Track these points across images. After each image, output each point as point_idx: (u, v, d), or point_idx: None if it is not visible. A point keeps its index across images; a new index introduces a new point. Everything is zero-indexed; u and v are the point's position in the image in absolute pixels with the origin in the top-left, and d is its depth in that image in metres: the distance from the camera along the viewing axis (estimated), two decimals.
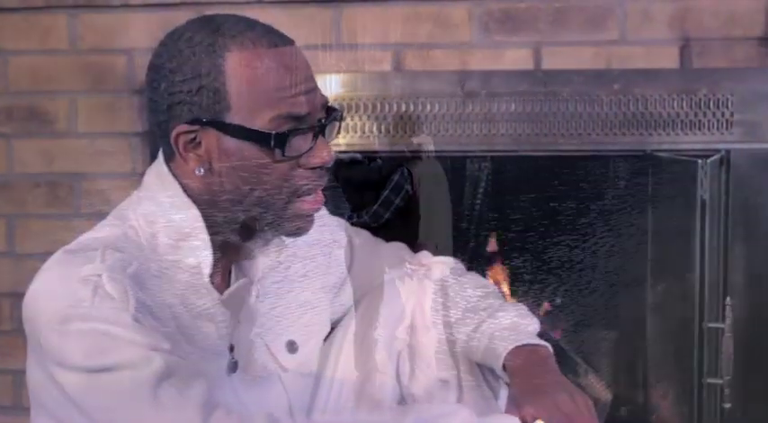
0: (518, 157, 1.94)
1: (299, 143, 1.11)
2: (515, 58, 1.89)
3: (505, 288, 2.17)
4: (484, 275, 1.48)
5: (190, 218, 1.14)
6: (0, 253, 2.02)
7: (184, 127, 1.11)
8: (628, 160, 2.07)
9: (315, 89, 1.14)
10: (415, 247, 1.51)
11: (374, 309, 1.38)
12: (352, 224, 1.49)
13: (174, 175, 1.15)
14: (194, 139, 1.11)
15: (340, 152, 1.88)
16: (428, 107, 1.88)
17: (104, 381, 1.03)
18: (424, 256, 1.46)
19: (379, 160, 2.04)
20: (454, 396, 1.34)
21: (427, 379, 1.35)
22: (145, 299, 1.08)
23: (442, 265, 1.42)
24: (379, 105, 1.89)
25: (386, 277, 1.41)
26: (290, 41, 1.15)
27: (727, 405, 1.84)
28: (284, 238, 1.23)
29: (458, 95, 1.87)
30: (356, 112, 1.89)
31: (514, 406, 1.16)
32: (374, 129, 1.89)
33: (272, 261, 1.23)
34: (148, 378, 1.03)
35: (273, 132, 1.09)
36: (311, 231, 1.21)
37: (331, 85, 1.88)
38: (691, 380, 1.89)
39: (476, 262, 2.15)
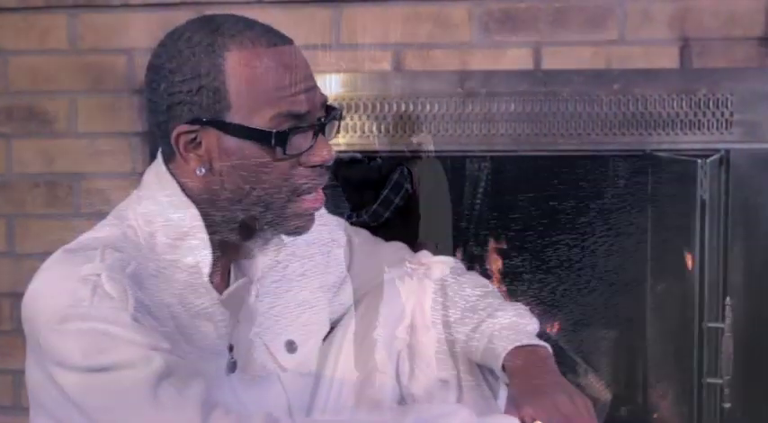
0: (518, 156, 1.94)
1: (300, 141, 1.12)
2: (515, 58, 1.89)
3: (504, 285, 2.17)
4: (484, 275, 1.48)
5: (189, 217, 1.14)
6: (0, 253, 2.02)
7: (185, 127, 1.11)
8: (627, 160, 2.07)
9: (314, 88, 1.14)
10: (414, 246, 1.51)
11: (374, 308, 1.38)
12: (352, 223, 1.49)
13: (174, 175, 1.15)
14: (195, 139, 1.11)
15: (340, 152, 1.88)
16: (428, 107, 1.88)
17: (103, 380, 1.03)
18: (424, 255, 1.46)
19: (378, 159, 2.04)
20: (454, 396, 1.34)
21: (427, 379, 1.35)
22: (144, 298, 1.08)
23: (442, 265, 1.42)
24: (379, 105, 1.89)
25: (386, 277, 1.41)
26: (288, 41, 1.15)
27: (727, 405, 1.84)
28: (284, 237, 1.23)
29: (458, 95, 1.87)
30: (356, 111, 1.89)
31: (513, 407, 1.16)
32: (374, 128, 1.89)
33: (272, 260, 1.23)
34: (147, 377, 1.03)
35: (274, 131, 1.09)
36: (312, 231, 1.21)
37: (331, 85, 1.88)
38: (691, 380, 1.89)
39: (475, 262, 2.15)
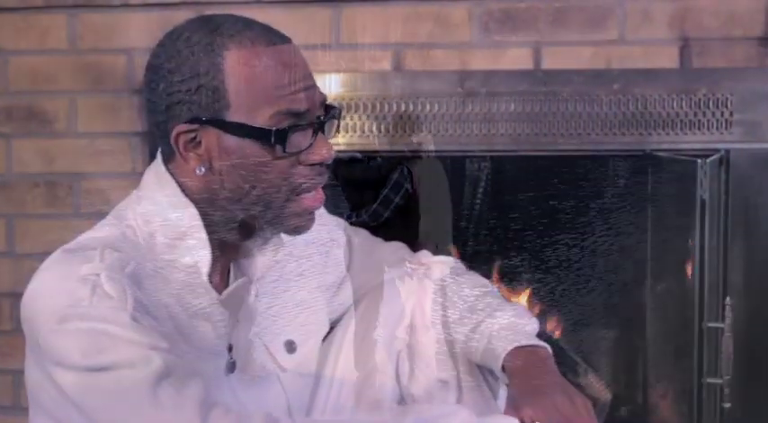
0: (518, 156, 1.94)
1: (299, 140, 1.12)
2: (515, 57, 1.89)
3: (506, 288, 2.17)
4: (483, 275, 1.48)
5: (188, 217, 1.14)
6: (0, 253, 2.02)
7: (184, 127, 1.11)
8: (627, 160, 2.07)
9: (313, 86, 1.14)
10: (414, 246, 1.51)
11: (374, 308, 1.38)
12: (352, 223, 1.49)
13: (173, 175, 1.15)
14: (194, 138, 1.11)
15: (340, 152, 1.88)
16: (428, 107, 1.88)
17: (103, 380, 1.03)
18: (424, 255, 1.46)
19: (378, 159, 2.04)
20: (454, 396, 1.34)
21: (427, 379, 1.35)
22: (143, 298, 1.08)
23: (442, 265, 1.41)
24: (379, 105, 1.89)
25: (386, 277, 1.41)
26: (287, 40, 1.15)
27: (727, 405, 1.84)
28: (283, 236, 1.23)
29: (458, 95, 1.87)
30: (356, 111, 1.89)
31: (513, 407, 1.16)
32: (374, 128, 1.89)
33: (271, 260, 1.23)
34: (147, 377, 1.03)
35: (273, 129, 1.09)
36: (311, 231, 1.21)
37: (331, 85, 1.88)
38: (691, 380, 1.89)
39: (475, 261, 2.15)
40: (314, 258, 1.36)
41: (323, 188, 1.17)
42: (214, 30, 1.11)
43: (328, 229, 1.40)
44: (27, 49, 1.97)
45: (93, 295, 1.04)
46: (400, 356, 1.36)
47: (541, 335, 1.31)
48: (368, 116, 1.89)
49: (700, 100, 1.84)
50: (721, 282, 1.86)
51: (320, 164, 1.14)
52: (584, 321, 2.19)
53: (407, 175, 2.08)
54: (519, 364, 1.24)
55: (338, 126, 1.20)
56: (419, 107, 1.88)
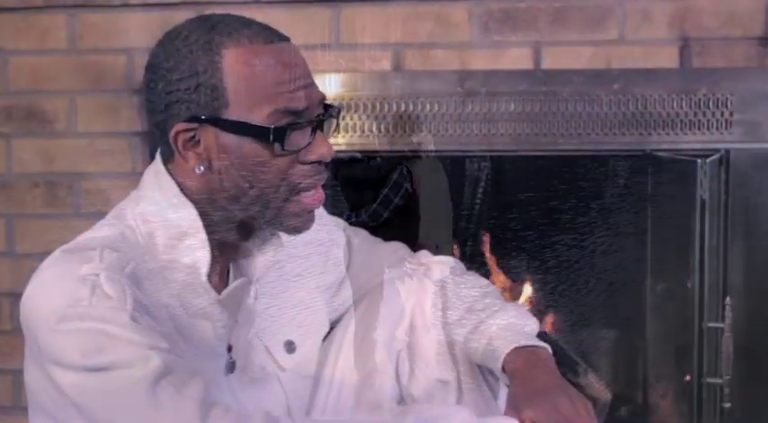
0: (518, 156, 1.94)
1: (298, 138, 1.12)
2: (515, 57, 1.89)
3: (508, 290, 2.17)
4: (483, 275, 1.48)
5: (187, 217, 1.14)
6: (0, 253, 2.02)
7: (183, 125, 1.11)
8: (627, 160, 2.07)
9: (312, 85, 1.14)
10: (414, 246, 1.50)
11: (374, 309, 1.38)
12: (352, 223, 1.49)
13: (172, 175, 1.15)
14: (193, 137, 1.11)
15: (340, 151, 1.88)
16: (428, 107, 1.88)
17: (102, 380, 1.03)
18: (424, 255, 1.46)
19: (378, 159, 2.04)
20: (454, 397, 1.34)
21: (427, 379, 1.35)
22: (142, 298, 1.08)
23: (442, 265, 1.41)
24: (378, 105, 1.89)
25: (385, 277, 1.41)
26: (286, 39, 1.15)
27: (727, 405, 1.84)
28: (282, 237, 1.23)
29: (458, 95, 1.87)
30: (356, 111, 1.89)
31: (513, 408, 1.16)
32: (374, 128, 1.89)
33: (270, 260, 1.23)
34: (146, 377, 1.03)
35: (272, 126, 1.09)
36: (310, 231, 1.21)
37: (331, 85, 1.88)
38: (690, 379, 1.89)
39: (475, 261, 2.15)
40: (313, 259, 1.36)
41: (322, 188, 1.17)
42: (212, 28, 1.11)
43: (328, 230, 1.40)
44: (27, 49, 1.97)
45: (92, 295, 1.04)
46: (400, 356, 1.36)
47: (541, 335, 1.31)
48: (368, 116, 1.89)
49: (700, 100, 1.84)
50: (721, 282, 1.86)
51: (319, 162, 1.14)
52: (584, 321, 2.19)
53: (407, 175, 2.08)
54: (519, 365, 1.24)
55: (338, 125, 1.20)
56: (419, 107, 1.88)
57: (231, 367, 1.22)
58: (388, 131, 1.89)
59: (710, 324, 1.85)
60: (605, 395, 2.04)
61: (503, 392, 1.33)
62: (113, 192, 1.92)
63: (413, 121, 1.88)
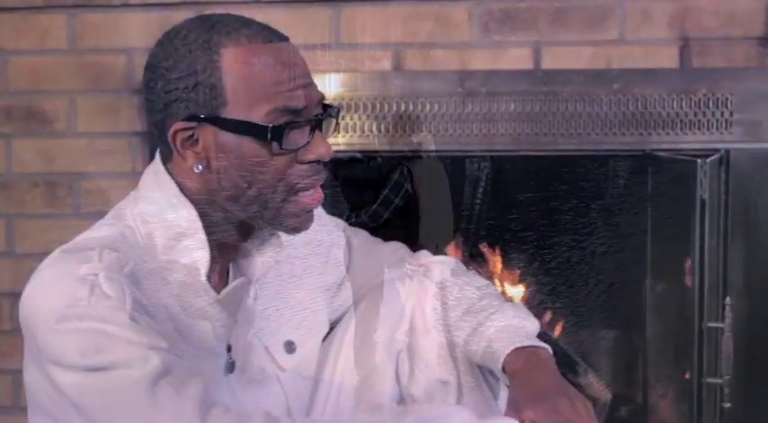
0: (518, 156, 1.94)
1: (296, 137, 1.12)
2: (515, 57, 1.89)
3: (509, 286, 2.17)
4: (483, 275, 1.48)
5: (186, 217, 1.14)
6: (0, 253, 2.02)
7: (182, 124, 1.11)
8: (627, 160, 2.07)
9: (311, 84, 1.14)
10: (415, 246, 1.50)
11: (374, 309, 1.38)
12: (352, 224, 1.49)
13: (171, 175, 1.15)
14: (192, 136, 1.11)
15: (340, 152, 1.88)
16: (428, 107, 1.88)
17: (101, 380, 1.03)
18: (424, 255, 1.46)
19: (379, 159, 2.04)
20: (454, 397, 1.33)
21: (427, 380, 1.35)
22: (142, 298, 1.08)
23: (442, 265, 1.41)
24: (378, 105, 1.89)
25: (385, 277, 1.41)
26: (285, 38, 1.15)
27: (727, 405, 1.84)
28: (282, 237, 1.23)
29: (458, 95, 1.87)
30: (356, 111, 1.89)
31: (514, 409, 1.16)
32: (374, 128, 1.89)
33: (270, 261, 1.23)
34: (145, 377, 1.03)
35: (270, 125, 1.09)
36: (309, 231, 1.21)
37: (331, 85, 1.88)
38: (691, 380, 1.89)
39: (475, 261, 2.15)
40: (313, 259, 1.36)
41: (321, 188, 1.17)
42: (211, 27, 1.11)
43: (327, 230, 1.40)
44: (27, 49, 1.97)
45: (91, 295, 1.04)
46: (400, 357, 1.36)
47: (541, 335, 1.31)
48: (368, 116, 1.89)
49: (700, 100, 1.84)
50: (721, 282, 1.86)
51: (318, 162, 1.14)
52: (584, 321, 2.19)
53: (407, 175, 2.08)
54: (519, 365, 1.24)
55: (337, 125, 1.20)
56: (419, 107, 1.88)
57: (231, 367, 1.22)
58: (388, 131, 1.89)
59: (710, 324, 1.85)
60: (605, 395, 2.04)
61: (503, 393, 1.33)
62: (113, 192, 1.92)
63: (413, 121, 1.88)
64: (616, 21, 1.86)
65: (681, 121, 1.84)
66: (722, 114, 1.83)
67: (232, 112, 1.10)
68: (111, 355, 1.03)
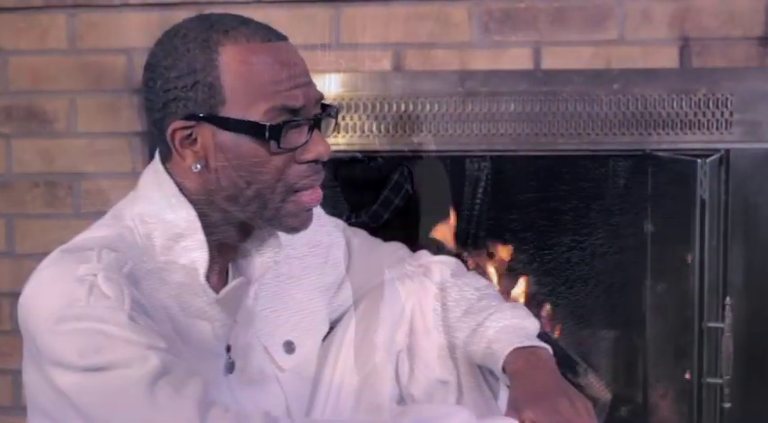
0: (518, 156, 1.94)
1: (295, 137, 1.12)
2: (515, 57, 1.89)
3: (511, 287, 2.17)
4: (483, 275, 1.48)
5: (185, 217, 1.14)
6: (0, 253, 2.02)
7: (180, 123, 1.11)
8: (627, 160, 2.07)
9: (309, 83, 1.14)
10: (415, 247, 1.50)
11: (373, 309, 1.38)
12: (351, 224, 1.49)
13: (171, 175, 1.15)
14: (191, 135, 1.12)
15: (340, 152, 1.88)
16: (428, 107, 1.88)
17: (100, 380, 1.03)
18: (424, 255, 1.46)
19: (379, 159, 2.04)
20: (454, 397, 1.34)
21: (427, 380, 1.35)
22: (140, 298, 1.08)
23: (442, 266, 1.41)
24: (378, 105, 1.89)
25: (385, 277, 1.41)
26: (283, 38, 1.15)
27: (727, 405, 1.84)
28: (281, 238, 1.22)
29: (458, 95, 1.87)
30: (356, 111, 1.89)
31: (514, 409, 1.16)
32: (374, 128, 1.89)
33: (269, 261, 1.23)
34: (144, 376, 1.03)
35: (268, 124, 1.09)
36: (308, 232, 1.21)
37: (331, 85, 1.88)
38: (690, 379, 1.89)
39: (475, 262, 2.15)
40: (313, 259, 1.36)
41: (321, 187, 1.17)
42: (210, 27, 1.12)
43: (327, 231, 1.40)
44: (27, 49, 1.97)
45: (90, 295, 1.04)
46: (400, 357, 1.36)
47: (541, 335, 1.31)
48: (368, 116, 1.89)
49: (700, 100, 1.84)
50: (721, 282, 1.86)
51: (316, 161, 1.14)
52: (584, 321, 2.19)
53: (408, 175, 2.08)
54: (519, 366, 1.24)
55: (336, 125, 1.20)
56: (419, 107, 1.88)
57: (230, 368, 1.22)
58: (389, 131, 1.89)
59: (710, 324, 1.85)
60: (605, 395, 2.04)
61: (503, 393, 1.33)
62: (113, 192, 1.92)
63: (413, 121, 1.88)
64: (616, 21, 1.86)
65: (681, 121, 1.84)
66: (722, 114, 1.83)
67: (230, 110, 1.10)
68: (109, 355, 1.03)
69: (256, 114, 1.10)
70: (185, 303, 1.15)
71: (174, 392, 1.03)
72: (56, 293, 1.05)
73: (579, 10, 1.87)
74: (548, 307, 2.16)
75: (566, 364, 1.99)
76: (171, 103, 1.11)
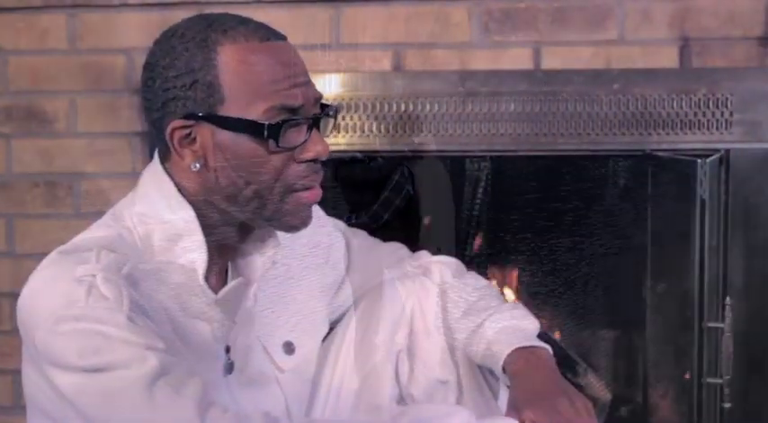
0: (518, 156, 1.94)
1: (294, 136, 1.12)
2: (515, 57, 1.88)
3: (511, 289, 2.17)
4: (483, 276, 1.48)
5: (184, 218, 1.14)
6: (0, 253, 2.02)
7: (179, 122, 1.11)
8: (627, 160, 2.07)
9: (308, 83, 1.14)
10: (415, 247, 1.50)
11: (373, 309, 1.38)
12: (351, 225, 1.49)
13: (169, 175, 1.15)
14: (189, 134, 1.12)
15: (340, 152, 1.88)
16: (428, 107, 1.88)
17: (99, 381, 1.03)
18: (424, 255, 1.46)
19: (380, 159, 2.04)
20: (454, 397, 1.34)
21: (427, 380, 1.35)
22: (139, 299, 1.08)
23: (442, 266, 1.42)
24: (378, 105, 1.88)
25: (385, 278, 1.41)
26: (282, 37, 1.15)
27: (727, 405, 1.84)
28: (280, 238, 1.22)
29: (458, 95, 1.87)
30: (356, 111, 1.89)
31: (514, 409, 1.16)
32: (374, 128, 1.89)
33: (269, 261, 1.23)
34: (143, 377, 1.03)
35: (267, 123, 1.09)
36: (308, 232, 1.21)
37: (331, 85, 1.88)
38: (690, 379, 1.89)
39: (475, 262, 2.15)
40: (312, 260, 1.36)
41: (321, 187, 1.17)
42: (208, 26, 1.12)
43: (327, 232, 1.40)
44: (27, 49, 1.97)
45: (88, 296, 1.04)
46: (400, 357, 1.36)
47: (541, 335, 1.31)
48: (368, 116, 1.89)
49: (700, 100, 1.84)
50: (721, 282, 1.86)
51: (315, 161, 1.14)
52: (584, 321, 2.18)
53: (408, 176, 2.08)
54: (519, 366, 1.24)
55: (335, 125, 1.20)
56: (419, 107, 1.88)
57: (230, 368, 1.22)
58: (389, 131, 1.89)
59: (710, 324, 1.85)
60: (605, 395, 2.04)
61: (503, 393, 1.33)
62: (113, 192, 1.92)
63: (413, 121, 1.88)
64: (616, 21, 1.86)
65: (681, 121, 1.84)
66: (722, 114, 1.83)
67: (229, 110, 1.10)
68: (108, 355, 1.03)
69: (255, 113, 1.10)
70: (184, 304, 1.15)
71: (173, 393, 1.03)
72: (55, 294, 1.05)
73: (579, 10, 1.87)
74: (548, 314, 2.16)
75: (566, 364, 1.99)
76: (170, 103, 1.11)
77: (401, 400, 1.37)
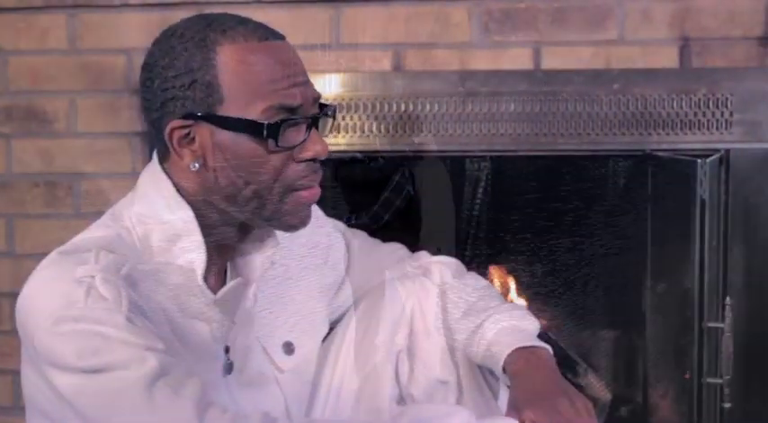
0: (518, 156, 1.94)
1: (293, 135, 1.12)
2: (515, 57, 1.88)
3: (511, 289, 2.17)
4: (484, 276, 1.48)
5: (183, 218, 1.14)
6: (0, 253, 2.02)
7: (178, 122, 1.11)
8: (627, 160, 2.07)
9: (307, 83, 1.14)
10: (415, 248, 1.50)
11: (373, 310, 1.38)
12: (351, 225, 1.49)
13: (168, 175, 1.15)
14: (188, 134, 1.12)
15: (340, 152, 1.88)
16: (428, 107, 1.88)
17: (98, 381, 1.03)
18: (423, 256, 1.46)
19: (380, 159, 2.04)
20: (454, 397, 1.34)
21: (427, 380, 1.35)
22: (138, 300, 1.08)
23: (442, 266, 1.41)
24: (379, 105, 1.88)
25: (385, 278, 1.41)
26: (281, 37, 1.15)
27: (727, 405, 1.84)
28: (280, 238, 1.22)
29: (458, 95, 1.87)
30: (356, 111, 1.89)
31: (514, 409, 1.16)
32: (374, 128, 1.89)
33: (268, 261, 1.23)
34: (142, 377, 1.03)
35: (266, 122, 1.09)
36: (306, 233, 1.21)
37: (331, 85, 1.88)
38: (691, 380, 1.89)
39: (476, 262, 2.15)
40: (312, 260, 1.36)
41: (320, 187, 1.17)
42: (207, 26, 1.12)
43: (326, 232, 1.40)
44: (27, 49, 1.97)
45: (87, 297, 1.04)
46: (400, 357, 1.36)
47: (541, 335, 1.31)
48: (368, 116, 1.89)
49: (700, 100, 1.84)
50: (721, 282, 1.86)
51: (314, 160, 1.14)
52: (584, 321, 2.18)
53: (409, 176, 2.08)
54: (520, 366, 1.24)
55: (334, 125, 1.20)
56: (419, 107, 1.88)
57: (229, 369, 1.22)
58: (389, 131, 1.89)
59: (710, 324, 1.85)
60: (605, 395, 2.04)
61: (503, 393, 1.33)
62: (113, 192, 1.92)
63: (413, 121, 1.88)
64: (616, 21, 1.86)
65: (681, 121, 1.84)
66: (722, 114, 1.83)
67: (228, 109, 1.10)
68: (107, 356, 1.03)
69: (254, 113, 1.10)
70: (183, 304, 1.15)
71: (172, 393, 1.03)
72: (54, 295, 1.05)
73: (579, 10, 1.87)
74: (548, 314, 2.16)
75: (566, 364, 1.99)
76: (169, 103, 1.11)
77: (401, 400, 1.37)
